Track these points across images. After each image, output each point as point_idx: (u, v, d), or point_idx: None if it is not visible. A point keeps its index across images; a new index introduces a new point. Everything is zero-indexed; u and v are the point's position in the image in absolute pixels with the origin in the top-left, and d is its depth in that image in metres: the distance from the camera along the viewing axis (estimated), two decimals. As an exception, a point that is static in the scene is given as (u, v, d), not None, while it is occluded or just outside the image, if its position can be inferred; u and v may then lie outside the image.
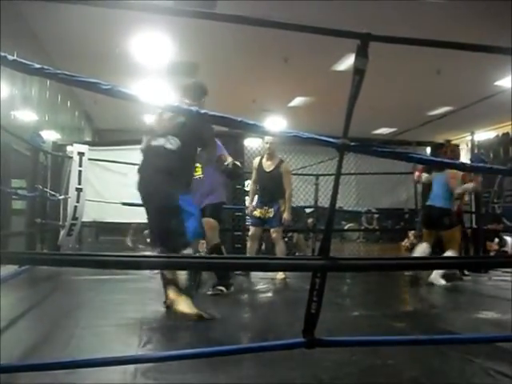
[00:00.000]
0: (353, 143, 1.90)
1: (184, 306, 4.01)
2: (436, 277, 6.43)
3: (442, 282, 6.42)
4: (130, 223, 10.78)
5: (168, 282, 4.39)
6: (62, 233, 7.68)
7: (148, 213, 4.35)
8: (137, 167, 4.39)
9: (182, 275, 4.06)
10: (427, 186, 7.08)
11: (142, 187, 4.26)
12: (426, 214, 6.97)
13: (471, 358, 3.05)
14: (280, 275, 6.60)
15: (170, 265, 2.57)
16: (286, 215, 6.69)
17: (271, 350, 2.33)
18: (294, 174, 10.30)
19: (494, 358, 3.03)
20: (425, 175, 6.97)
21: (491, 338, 3.07)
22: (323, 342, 1.97)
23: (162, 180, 4.13)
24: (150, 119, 4.70)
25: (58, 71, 1.78)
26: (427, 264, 2.95)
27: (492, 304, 5.53)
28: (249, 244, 6.91)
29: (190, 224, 4.22)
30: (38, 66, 1.74)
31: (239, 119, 1.84)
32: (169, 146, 4.16)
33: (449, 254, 6.40)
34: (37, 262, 3.11)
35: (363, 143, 1.98)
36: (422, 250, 6.72)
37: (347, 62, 10.18)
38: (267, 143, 6.72)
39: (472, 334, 3.77)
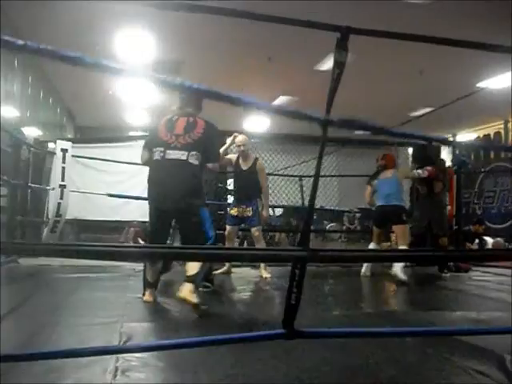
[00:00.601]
0: (337, 119, 1.91)
1: (188, 293, 4.15)
2: (398, 269, 6.61)
3: (403, 276, 6.57)
4: (127, 222, 10.81)
5: (150, 285, 4.76)
6: (46, 230, 7.64)
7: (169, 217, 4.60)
8: (151, 178, 4.57)
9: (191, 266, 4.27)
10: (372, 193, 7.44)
11: (167, 200, 4.39)
12: (379, 213, 7.20)
13: (450, 357, 3.08)
14: (265, 274, 6.63)
15: (151, 254, 2.55)
16: (264, 212, 6.75)
17: (251, 341, 2.33)
18: (277, 175, 10.33)
19: (473, 357, 3.06)
20: (368, 188, 7.42)
21: (464, 332, 3.10)
22: (303, 334, 1.97)
23: (192, 194, 4.40)
24: (153, 128, 4.81)
25: (35, 44, 1.71)
26: (403, 256, 2.96)
27: (472, 303, 5.58)
28: (226, 243, 6.90)
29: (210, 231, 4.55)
30: (6, 37, 1.67)
31: (225, 93, 1.84)
32: (193, 160, 4.39)
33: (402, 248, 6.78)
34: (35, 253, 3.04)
35: (347, 121, 1.98)
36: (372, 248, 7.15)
37: (330, 62, 10.20)
38: (240, 146, 6.62)
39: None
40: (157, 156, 4.46)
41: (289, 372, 2.81)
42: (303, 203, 10.12)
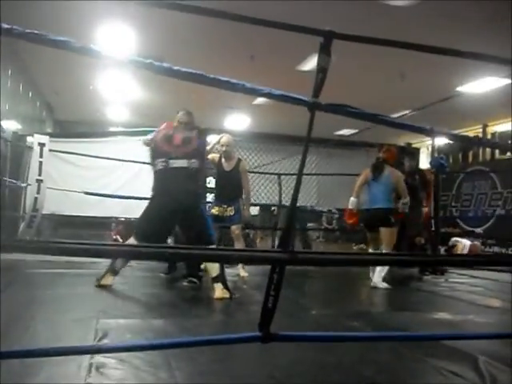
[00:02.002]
0: (324, 103, 1.91)
1: (221, 292, 4.99)
2: (378, 280, 6.44)
3: (385, 284, 6.42)
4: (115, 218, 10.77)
5: (114, 272, 5.29)
6: (23, 225, 7.57)
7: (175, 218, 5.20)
8: (160, 185, 5.20)
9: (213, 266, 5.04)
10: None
11: (178, 201, 5.04)
12: (370, 216, 6.84)
13: (424, 357, 3.11)
14: (243, 273, 6.65)
15: (135, 254, 2.51)
16: (246, 213, 6.78)
17: (227, 344, 2.33)
18: (256, 173, 10.34)
19: (446, 357, 3.09)
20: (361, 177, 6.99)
21: (440, 336, 3.13)
22: (279, 337, 1.97)
23: (197, 194, 5.33)
24: (152, 140, 5.34)
25: (21, 28, 1.66)
26: (382, 260, 2.97)
27: (447, 305, 5.64)
28: None
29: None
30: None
31: (212, 76, 1.85)
32: (194, 166, 5.15)
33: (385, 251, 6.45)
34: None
35: (334, 106, 1.97)
36: None
37: (312, 63, 10.21)
38: (223, 146, 6.62)
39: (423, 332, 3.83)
40: (161, 165, 5.12)
41: (264, 370, 2.82)
42: (281, 201, 10.14)
